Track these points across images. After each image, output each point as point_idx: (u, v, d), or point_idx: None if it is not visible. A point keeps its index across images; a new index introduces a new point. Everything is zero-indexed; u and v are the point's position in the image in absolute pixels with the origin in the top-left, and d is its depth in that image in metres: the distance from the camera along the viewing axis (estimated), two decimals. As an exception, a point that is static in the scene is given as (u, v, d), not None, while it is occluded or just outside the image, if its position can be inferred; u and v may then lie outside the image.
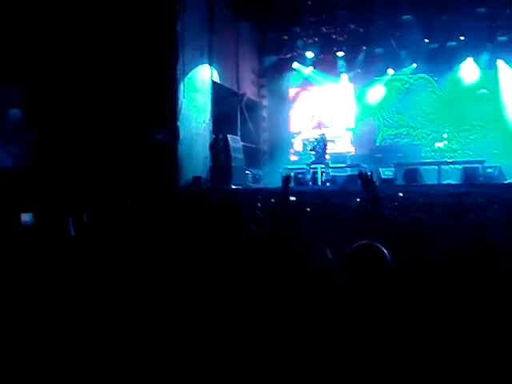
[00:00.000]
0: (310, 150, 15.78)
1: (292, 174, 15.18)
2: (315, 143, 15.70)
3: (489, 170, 14.78)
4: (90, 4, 13.61)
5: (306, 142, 17.43)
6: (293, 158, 19.26)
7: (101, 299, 2.47)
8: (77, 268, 2.85)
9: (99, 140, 13.44)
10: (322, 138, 15.79)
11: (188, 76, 14.38)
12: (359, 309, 2.10)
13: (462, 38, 17.31)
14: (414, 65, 18.37)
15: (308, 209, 5.64)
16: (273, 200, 10.50)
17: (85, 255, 3.13)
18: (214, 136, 15.16)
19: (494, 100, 17.95)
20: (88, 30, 13.55)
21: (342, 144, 19.10)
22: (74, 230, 4.32)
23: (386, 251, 2.50)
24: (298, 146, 19.51)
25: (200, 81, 15.17)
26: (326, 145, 15.61)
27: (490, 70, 17.83)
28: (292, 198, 6.04)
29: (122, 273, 2.67)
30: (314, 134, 17.66)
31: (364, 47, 18.46)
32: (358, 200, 5.88)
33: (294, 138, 18.96)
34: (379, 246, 2.54)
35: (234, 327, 2.19)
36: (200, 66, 15.18)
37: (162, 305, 2.36)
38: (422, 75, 18.81)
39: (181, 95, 13.96)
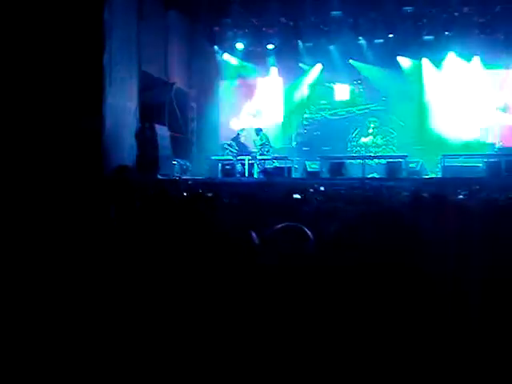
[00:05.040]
0: (226, 149, 16.13)
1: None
2: (230, 142, 16.12)
3: (411, 165, 15.24)
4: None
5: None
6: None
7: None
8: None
9: (18, 127, 12.98)
10: (236, 136, 16.26)
11: (115, 63, 14.08)
12: (282, 288, 2.10)
13: (389, 35, 17.69)
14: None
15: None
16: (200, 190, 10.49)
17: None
18: (140, 125, 14.95)
19: (417, 98, 18.43)
20: (8, 13, 13.05)
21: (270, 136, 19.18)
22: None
23: (308, 231, 2.56)
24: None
25: (127, 69, 14.90)
26: (240, 142, 16.09)
27: (415, 68, 18.27)
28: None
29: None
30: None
31: (293, 41, 18.61)
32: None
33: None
34: (302, 226, 2.59)
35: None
36: (127, 54, 14.90)
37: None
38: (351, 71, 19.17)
39: (107, 83, 13.67)
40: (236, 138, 16.81)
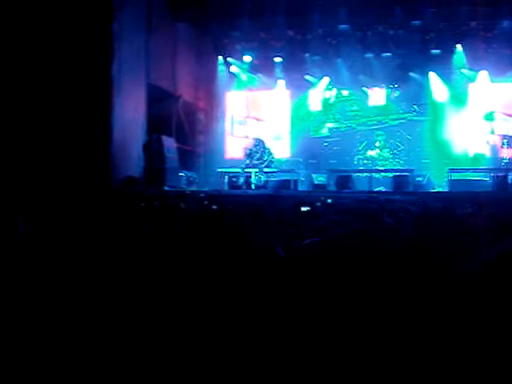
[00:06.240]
0: (247, 156, 15.77)
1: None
2: (252, 149, 15.78)
3: (418, 179, 15.22)
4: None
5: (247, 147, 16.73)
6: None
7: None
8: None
9: (26, 137, 13.04)
10: (259, 143, 15.92)
11: (123, 75, 14.15)
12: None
13: (396, 49, 17.74)
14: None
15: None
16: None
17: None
18: (147, 136, 15.01)
19: (425, 111, 18.46)
20: (17, 24, 13.15)
21: (277, 149, 19.15)
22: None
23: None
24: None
25: (135, 80, 14.98)
26: (263, 151, 15.73)
27: (422, 82, 18.27)
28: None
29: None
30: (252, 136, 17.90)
31: (301, 54, 18.67)
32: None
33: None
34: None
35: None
36: (136, 66, 14.98)
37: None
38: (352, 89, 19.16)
39: (115, 94, 13.74)
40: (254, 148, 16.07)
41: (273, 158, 16.01)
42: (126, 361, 2.07)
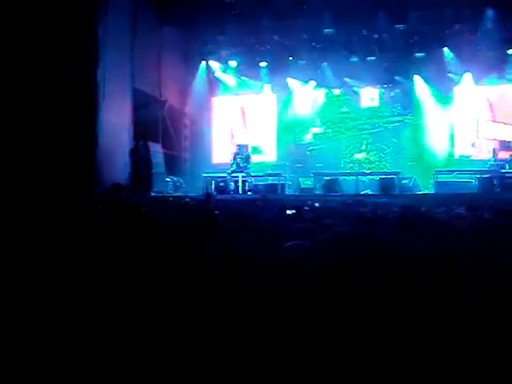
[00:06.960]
0: (233, 160, 15.77)
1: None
2: (237, 154, 15.79)
3: (404, 181, 15.27)
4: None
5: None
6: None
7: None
8: None
9: (9, 144, 12.94)
10: (244, 148, 15.95)
11: (108, 80, 14.12)
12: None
13: (380, 53, 17.81)
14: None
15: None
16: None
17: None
18: (134, 142, 14.98)
19: (409, 114, 18.54)
20: (3, 30, 13.07)
21: (264, 153, 19.13)
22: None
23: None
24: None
25: (121, 86, 14.95)
26: (248, 155, 15.76)
27: (407, 85, 18.34)
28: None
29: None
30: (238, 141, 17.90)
31: (287, 58, 18.72)
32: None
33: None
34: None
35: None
36: (121, 71, 14.96)
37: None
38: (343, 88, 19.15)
39: (100, 99, 13.70)
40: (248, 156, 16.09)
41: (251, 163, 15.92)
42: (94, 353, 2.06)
